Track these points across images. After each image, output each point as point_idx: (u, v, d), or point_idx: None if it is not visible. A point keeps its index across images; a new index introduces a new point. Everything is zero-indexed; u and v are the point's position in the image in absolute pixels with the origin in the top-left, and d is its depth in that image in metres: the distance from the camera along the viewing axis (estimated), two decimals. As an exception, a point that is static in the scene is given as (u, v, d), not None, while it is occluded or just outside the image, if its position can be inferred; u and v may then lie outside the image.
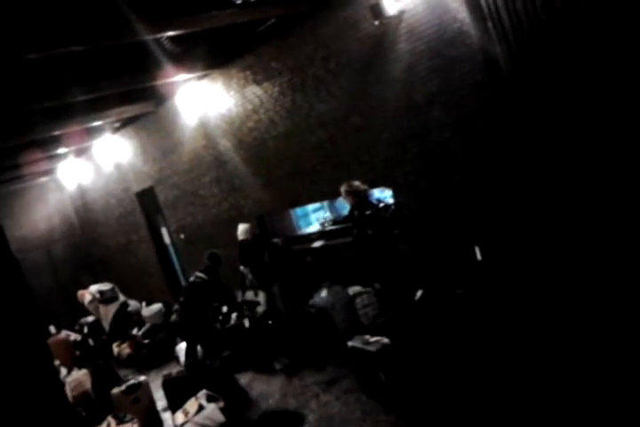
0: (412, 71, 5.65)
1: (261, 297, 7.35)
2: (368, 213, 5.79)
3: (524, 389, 4.20)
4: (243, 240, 7.42)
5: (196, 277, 6.69)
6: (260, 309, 7.33)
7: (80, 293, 10.64)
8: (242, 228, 7.46)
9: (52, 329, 10.76)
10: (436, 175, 5.80)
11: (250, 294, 7.64)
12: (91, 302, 10.23)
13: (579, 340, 4.33)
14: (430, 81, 5.49)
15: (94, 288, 10.21)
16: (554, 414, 3.82)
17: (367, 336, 5.19)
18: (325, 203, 8.72)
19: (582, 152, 4.49)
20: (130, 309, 10.31)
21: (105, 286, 10.22)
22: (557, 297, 4.78)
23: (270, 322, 7.15)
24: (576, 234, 4.66)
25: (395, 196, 6.43)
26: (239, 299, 7.52)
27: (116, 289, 10.26)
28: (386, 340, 5.03)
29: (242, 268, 7.62)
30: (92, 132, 10.07)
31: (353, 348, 5.19)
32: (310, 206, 8.92)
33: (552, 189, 4.76)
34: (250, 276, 7.49)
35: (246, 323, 7.22)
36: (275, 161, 7.78)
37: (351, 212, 6.06)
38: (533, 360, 4.43)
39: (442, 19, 5.19)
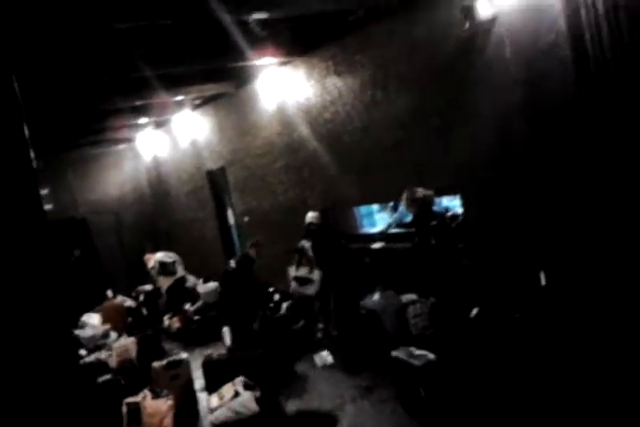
0: (498, 80, 5.42)
1: (316, 275, 7.28)
2: (433, 223, 5.58)
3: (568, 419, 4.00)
4: (310, 224, 7.44)
5: (229, 265, 6.75)
6: (311, 289, 7.24)
7: (147, 257, 10.83)
8: (312, 213, 7.57)
9: (109, 293, 11.06)
10: (510, 189, 5.55)
11: (304, 271, 7.59)
12: (152, 268, 10.43)
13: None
14: (516, 93, 5.25)
15: (159, 256, 10.35)
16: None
17: (412, 349, 5.07)
18: (391, 204, 8.58)
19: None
20: (187, 284, 10.50)
21: (169, 258, 10.37)
22: (621, 333, 4.51)
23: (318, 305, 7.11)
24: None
25: (464, 206, 6.22)
26: (292, 274, 7.44)
27: (178, 263, 10.39)
28: (432, 355, 4.89)
29: (301, 243, 7.57)
30: (172, 107, 10.23)
31: (396, 359, 5.07)
32: (375, 206, 8.79)
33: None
34: (310, 253, 7.41)
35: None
36: (346, 156, 7.68)
37: (415, 219, 5.86)
38: (583, 392, 4.21)
39: (537, 27, 4.94)
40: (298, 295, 7.46)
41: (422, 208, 5.64)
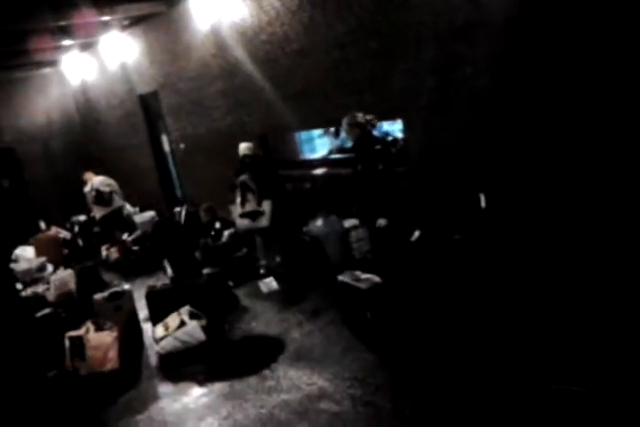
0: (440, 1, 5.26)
1: (266, 206, 7.02)
2: (378, 147, 5.42)
3: (511, 336, 4.19)
4: (245, 156, 7.23)
5: (177, 217, 6.63)
6: (264, 221, 7.09)
7: (86, 176, 10.08)
8: (244, 145, 7.27)
9: (42, 225, 10.72)
10: (450, 114, 5.52)
11: (251, 206, 7.39)
12: (89, 192, 9.93)
13: (574, 289, 4.28)
14: (459, 12, 5.11)
15: (97, 182, 9.74)
16: (541, 361, 3.81)
17: (358, 272, 5.13)
18: (332, 129, 8.45)
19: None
20: (125, 213, 10.22)
21: (106, 186, 9.84)
22: (556, 250, 4.69)
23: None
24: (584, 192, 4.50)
25: (405, 131, 6.18)
26: (239, 211, 7.26)
27: (116, 192, 9.95)
28: (377, 278, 4.96)
29: (241, 178, 7.28)
30: (98, 27, 9.58)
31: (342, 283, 5.14)
32: (316, 132, 8.65)
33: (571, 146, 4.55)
34: (253, 185, 7.16)
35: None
36: (284, 79, 7.43)
37: (357, 144, 5.69)
38: (523, 309, 4.40)
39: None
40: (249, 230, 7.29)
41: (364, 133, 5.46)
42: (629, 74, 4.13)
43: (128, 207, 10.36)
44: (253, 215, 6.94)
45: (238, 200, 7.06)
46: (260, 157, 7.55)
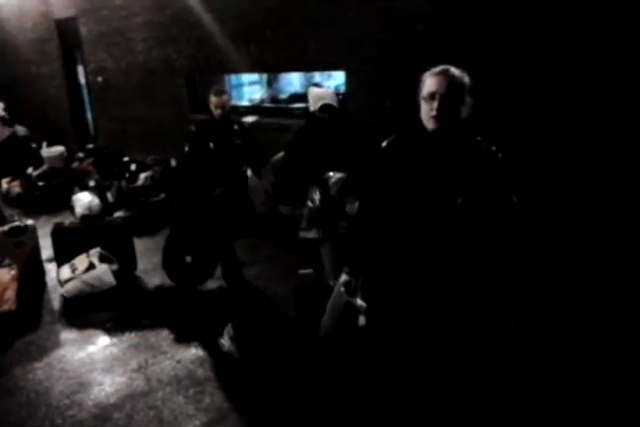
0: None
1: None
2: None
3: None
4: (325, 108, 4.51)
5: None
6: None
7: None
8: (321, 91, 4.95)
9: None
10: (395, 71, 5.31)
11: None
12: None
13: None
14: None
15: None
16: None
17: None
18: (264, 77, 8.07)
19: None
20: (20, 134, 9.57)
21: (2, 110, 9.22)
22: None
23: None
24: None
25: (347, 85, 5.92)
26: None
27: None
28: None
29: None
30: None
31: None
32: (247, 78, 8.24)
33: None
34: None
35: None
36: (221, 16, 6.94)
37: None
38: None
39: None
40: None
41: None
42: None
43: (19, 129, 9.67)
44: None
45: None
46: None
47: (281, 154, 5.14)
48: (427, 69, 2.27)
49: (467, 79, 2.25)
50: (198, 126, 4.75)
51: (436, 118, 2.19)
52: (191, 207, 4.83)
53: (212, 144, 4.64)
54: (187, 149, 4.73)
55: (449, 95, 2.17)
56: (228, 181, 4.78)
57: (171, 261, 4.98)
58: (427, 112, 2.22)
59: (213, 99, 4.56)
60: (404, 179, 2.32)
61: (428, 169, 2.26)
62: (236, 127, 4.84)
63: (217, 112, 4.58)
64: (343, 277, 2.62)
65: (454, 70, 2.23)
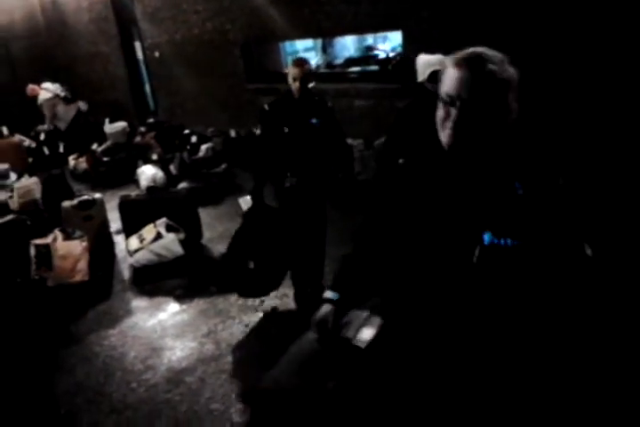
0: None
1: None
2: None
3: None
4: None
5: None
6: None
7: (30, 87, 9.64)
8: (428, 57, 3.91)
9: (4, 130, 10.08)
10: (452, 28, 5.12)
11: None
12: (49, 99, 9.47)
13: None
14: None
15: (51, 86, 9.37)
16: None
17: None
18: (319, 43, 7.96)
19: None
20: (82, 109, 9.85)
21: (63, 91, 9.52)
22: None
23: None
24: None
25: (404, 45, 5.77)
26: None
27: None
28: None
29: None
30: None
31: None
32: (301, 45, 8.15)
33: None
34: None
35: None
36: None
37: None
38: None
39: None
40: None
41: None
42: None
43: (80, 104, 9.93)
44: None
45: None
46: None
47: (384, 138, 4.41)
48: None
49: (510, 72, 1.43)
50: (272, 105, 3.87)
51: (453, 135, 1.46)
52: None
53: (286, 128, 3.83)
54: (258, 131, 4.11)
55: (476, 101, 1.40)
56: (303, 171, 3.94)
57: (231, 266, 4.10)
58: (441, 120, 1.50)
59: (294, 70, 3.68)
60: (416, 203, 1.62)
61: (444, 193, 1.56)
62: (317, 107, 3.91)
63: (295, 85, 3.69)
64: (323, 310, 1.85)
65: (491, 57, 1.41)
